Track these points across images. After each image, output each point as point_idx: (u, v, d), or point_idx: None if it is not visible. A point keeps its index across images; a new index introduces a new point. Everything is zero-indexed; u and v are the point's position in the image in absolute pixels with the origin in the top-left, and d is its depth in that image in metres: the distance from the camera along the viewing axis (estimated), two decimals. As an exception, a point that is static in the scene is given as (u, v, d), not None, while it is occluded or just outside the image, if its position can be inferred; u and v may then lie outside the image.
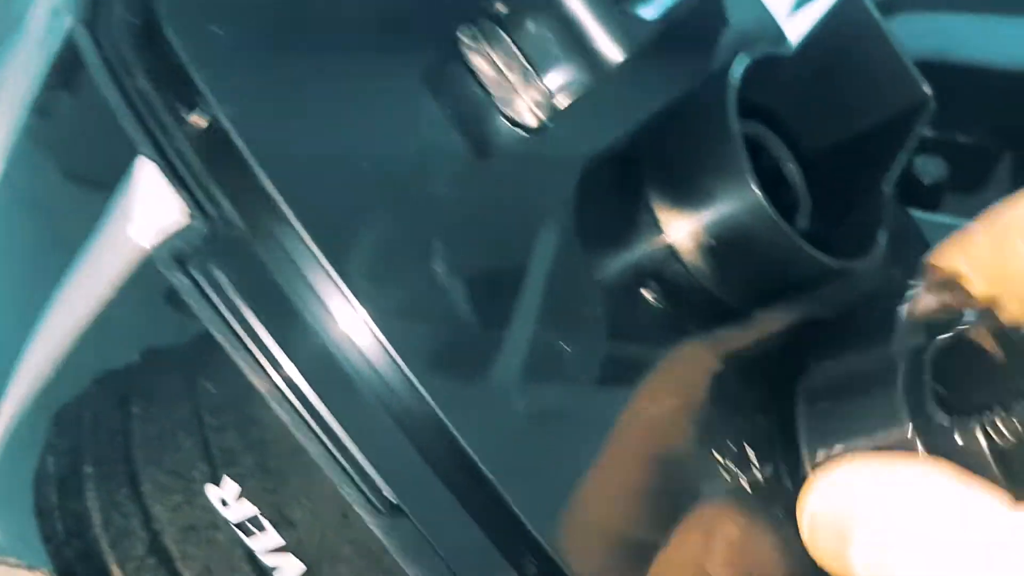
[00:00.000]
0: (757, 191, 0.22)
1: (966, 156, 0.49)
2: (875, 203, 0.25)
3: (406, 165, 0.21)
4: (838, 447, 0.23)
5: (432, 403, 0.18)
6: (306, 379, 0.17)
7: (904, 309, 0.23)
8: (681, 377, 0.23)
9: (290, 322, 0.17)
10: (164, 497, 0.23)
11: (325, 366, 0.18)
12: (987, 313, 0.24)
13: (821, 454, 0.24)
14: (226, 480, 0.21)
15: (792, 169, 0.26)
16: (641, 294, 0.23)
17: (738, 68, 0.23)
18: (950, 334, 0.23)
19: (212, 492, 0.21)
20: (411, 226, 0.20)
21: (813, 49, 0.26)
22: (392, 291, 0.19)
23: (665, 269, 0.23)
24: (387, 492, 0.18)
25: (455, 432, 0.19)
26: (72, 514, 0.28)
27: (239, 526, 0.21)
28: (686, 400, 0.23)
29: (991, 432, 0.24)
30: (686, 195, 0.23)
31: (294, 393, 0.18)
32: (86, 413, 0.26)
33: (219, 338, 0.17)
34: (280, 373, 0.17)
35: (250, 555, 0.21)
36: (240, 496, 0.21)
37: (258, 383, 0.17)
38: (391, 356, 0.18)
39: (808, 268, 0.24)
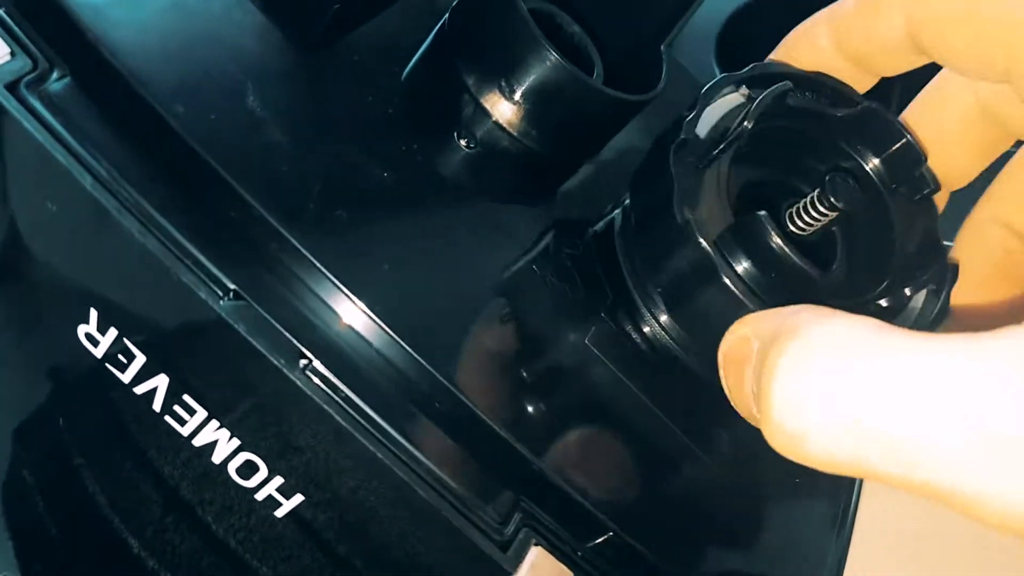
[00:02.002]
0: (546, 47, 0.26)
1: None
2: (658, 57, 0.29)
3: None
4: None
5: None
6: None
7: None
8: (496, 206, 0.26)
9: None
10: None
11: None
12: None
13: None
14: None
15: (585, 40, 0.30)
16: (457, 142, 0.27)
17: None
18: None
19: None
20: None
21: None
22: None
23: (475, 122, 0.27)
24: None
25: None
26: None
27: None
28: (501, 223, 0.26)
29: (792, 219, 0.26)
30: (490, 61, 0.28)
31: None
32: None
33: (59, 159, 0.21)
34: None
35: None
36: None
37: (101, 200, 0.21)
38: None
39: (604, 107, 0.27)
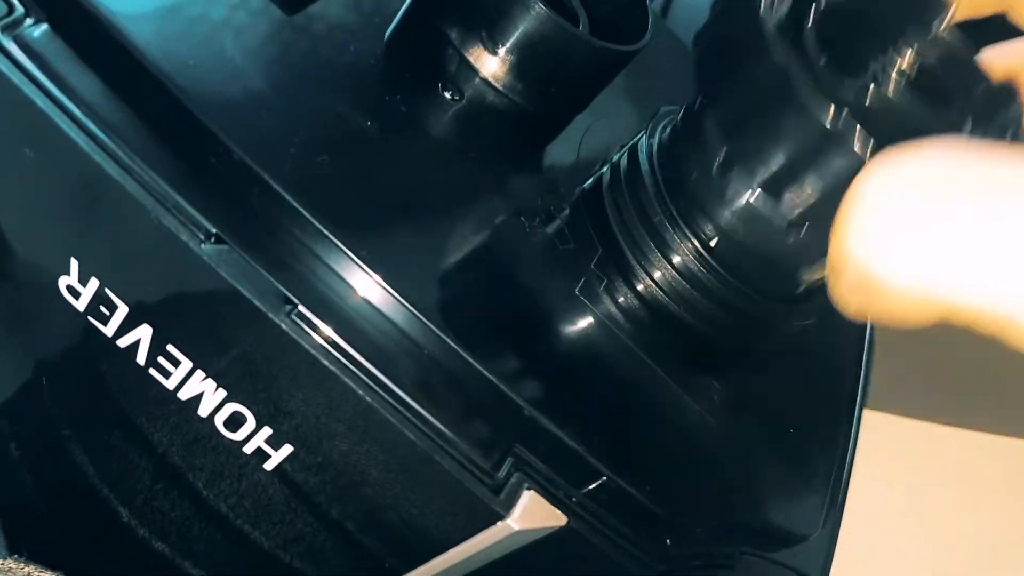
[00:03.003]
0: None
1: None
2: (643, 11, 0.29)
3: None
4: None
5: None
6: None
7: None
8: (482, 158, 0.26)
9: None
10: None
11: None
12: None
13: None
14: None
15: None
16: (442, 94, 0.27)
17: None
18: None
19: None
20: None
21: None
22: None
23: (459, 76, 0.27)
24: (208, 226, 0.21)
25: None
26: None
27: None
28: (487, 175, 0.26)
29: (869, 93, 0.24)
30: (473, 13, 0.27)
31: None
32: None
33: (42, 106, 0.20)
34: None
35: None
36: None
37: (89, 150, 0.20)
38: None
39: (589, 59, 0.27)
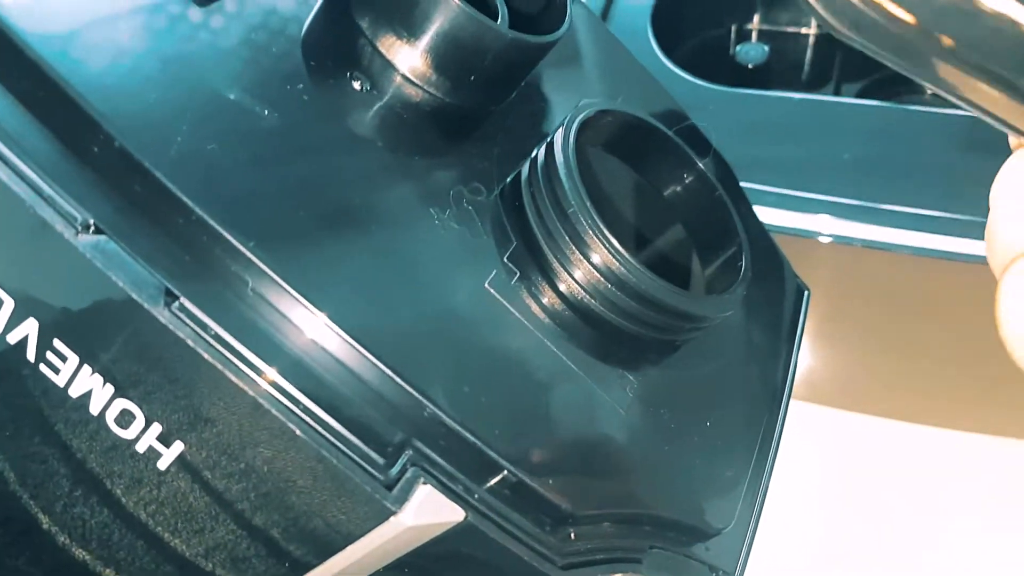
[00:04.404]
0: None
1: (786, 40, 0.55)
2: (561, 3, 0.29)
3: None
4: None
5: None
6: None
7: None
8: (390, 148, 0.25)
9: None
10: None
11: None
12: None
13: None
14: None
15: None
16: (351, 84, 0.26)
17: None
18: None
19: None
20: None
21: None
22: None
23: (371, 66, 0.27)
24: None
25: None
26: None
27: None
28: (394, 165, 0.25)
29: None
30: (385, 4, 0.27)
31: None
32: None
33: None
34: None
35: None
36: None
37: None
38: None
39: (505, 51, 0.27)
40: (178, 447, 0.23)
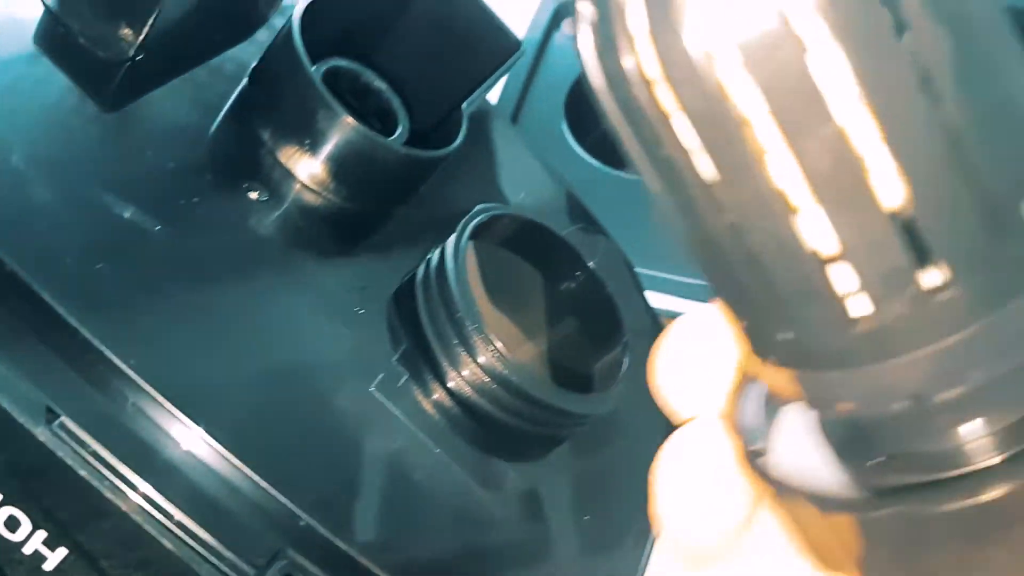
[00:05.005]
0: (333, 105, 0.27)
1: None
2: (459, 116, 0.30)
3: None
4: None
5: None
6: None
7: None
8: (283, 256, 0.27)
9: None
10: None
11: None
12: None
13: None
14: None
15: (390, 97, 0.31)
16: (247, 194, 0.28)
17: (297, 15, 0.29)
18: None
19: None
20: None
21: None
22: None
23: (269, 175, 0.28)
24: None
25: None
26: None
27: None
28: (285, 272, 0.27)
29: None
30: (283, 119, 0.28)
31: None
32: None
33: None
34: None
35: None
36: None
37: None
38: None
39: (398, 164, 0.28)
40: (61, 552, 0.24)
